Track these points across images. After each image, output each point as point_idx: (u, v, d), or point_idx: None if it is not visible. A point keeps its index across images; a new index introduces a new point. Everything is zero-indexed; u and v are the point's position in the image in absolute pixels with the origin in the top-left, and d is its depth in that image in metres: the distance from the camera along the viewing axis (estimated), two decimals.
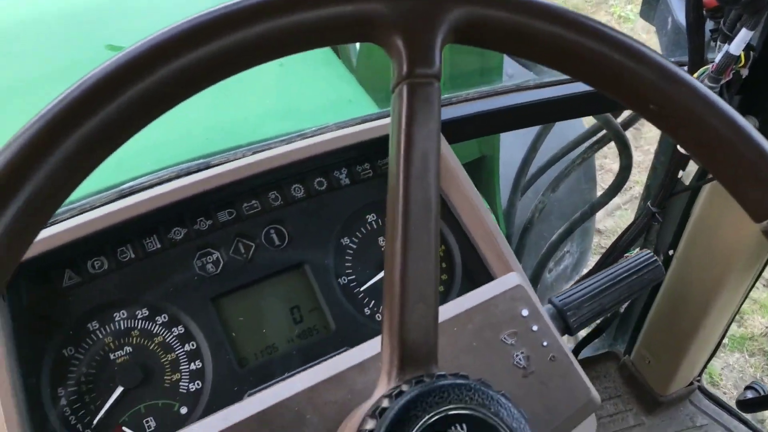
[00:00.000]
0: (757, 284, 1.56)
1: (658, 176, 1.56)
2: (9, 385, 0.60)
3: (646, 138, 3.65)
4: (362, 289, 0.78)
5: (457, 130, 0.97)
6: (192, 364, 0.70)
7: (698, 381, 1.79)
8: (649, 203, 1.40)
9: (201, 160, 0.83)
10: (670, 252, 1.53)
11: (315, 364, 0.58)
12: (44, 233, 0.67)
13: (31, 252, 0.65)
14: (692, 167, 1.37)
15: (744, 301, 1.59)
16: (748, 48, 1.00)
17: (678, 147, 1.20)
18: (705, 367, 1.77)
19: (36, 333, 0.66)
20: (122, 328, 0.69)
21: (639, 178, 3.22)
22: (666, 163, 1.46)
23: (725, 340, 1.82)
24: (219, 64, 0.39)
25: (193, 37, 0.37)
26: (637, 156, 1.60)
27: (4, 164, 0.33)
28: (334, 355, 0.58)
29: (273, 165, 0.75)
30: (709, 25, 1.08)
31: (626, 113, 1.67)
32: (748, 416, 1.73)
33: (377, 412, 0.42)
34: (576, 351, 1.71)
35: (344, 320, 0.75)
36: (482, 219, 0.76)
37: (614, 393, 1.79)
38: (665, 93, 0.44)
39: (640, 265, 0.62)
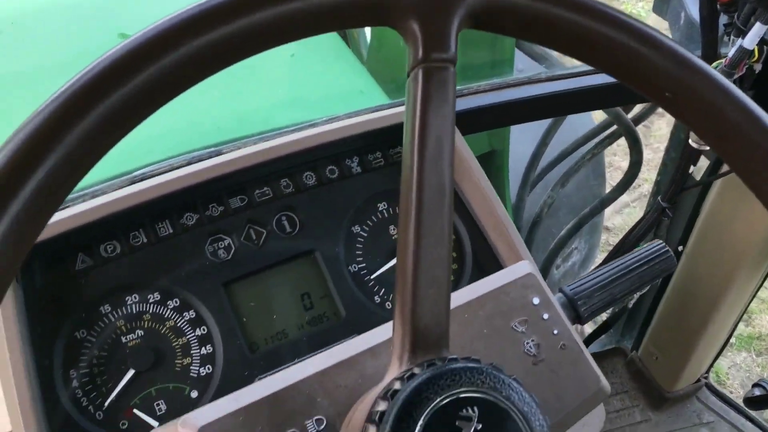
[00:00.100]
0: (766, 283, 1.56)
1: (669, 172, 1.56)
2: (23, 366, 0.61)
3: (655, 136, 3.64)
4: (372, 277, 0.78)
5: (468, 122, 0.97)
6: (203, 348, 0.70)
7: (706, 378, 1.79)
8: (659, 198, 1.40)
9: (212, 149, 0.84)
10: (680, 248, 1.52)
11: (325, 350, 0.58)
12: (57, 216, 0.67)
13: (44, 235, 0.66)
14: (703, 162, 1.36)
15: (753, 298, 1.58)
16: (762, 42, 0.99)
17: (690, 141, 1.19)
18: (713, 363, 1.77)
19: (49, 315, 0.67)
20: (134, 311, 0.70)
21: (648, 175, 3.20)
22: (677, 159, 1.46)
23: (732, 339, 1.81)
24: (238, 44, 0.39)
25: (213, 17, 0.37)
26: (646, 154, 1.59)
27: (19, 145, 0.33)
28: (345, 341, 0.58)
29: (285, 152, 0.75)
30: (723, 19, 1.07)
31: (637, 109, 1.66)
32: (755, 414, 1.73)
33: (389, 394, 0.42)
34: None
35: (354, 307, 0.75)
36: (493, 208, 0.76)
37: (621, 389, 1.79)
38: (681, 81, 0.44)
39: (652, 255, 0.62)
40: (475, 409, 0.41)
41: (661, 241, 0.63)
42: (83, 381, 0.66)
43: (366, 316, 0.76)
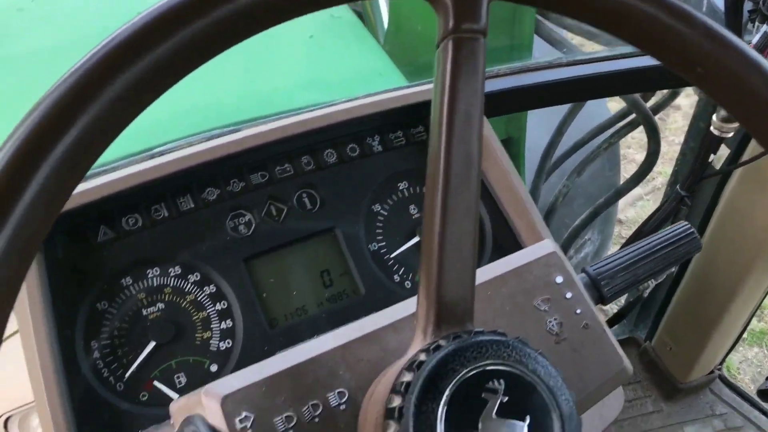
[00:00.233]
0: None
1: (687, 161, 1.55)
2: (45, 335, 0.61)
3: (670, 129, 3.61)
4: (392, 255, 0.78)
5: (489, 105, 0.96)
6: (223, 323, 0.70)
7: (719, 369, 1.78)
8: (678, 187, 1.39)
9: (232, 127, 0.84)
10: None
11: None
12: (79, 188, 0.67)
13: (67, 206, 0.65)
14: (723, 151, 1.35)
15: None
16: None
17: (711, 129, 1.18)
18: (727, 355, 1.76)
19: (71, 286, 0.67)
20: (155, 284, 0.70)
21: (661, 168, 3.18)
22: (695, 149, 1.45)
23: (744, 335, 1.80)
24: (262, 11, 0.38)
25: None
26: (661, 146, 1.58)
27: (51, 106, 0.33)
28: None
29: (306, 128, 0.75)
30: (748, 5, 1.06)
31: (655, 99, 1.65)
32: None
33: (415, 365, 0.42)
34: None
35: (374, 286, 0.75)
36: (514, 188, 0.76)
37: (634, 379, 1.78)
38: (713, 56, 0.43)
39: (677, 236, 0.61)
40: (501, 381, 0.41)
41: (686, 223, 0.62)
42: (104, 352, 0.66)
43: (385, 294, 0.75)
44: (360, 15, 1.91)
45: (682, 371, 1.73)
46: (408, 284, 0.78)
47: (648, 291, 1.67)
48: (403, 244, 0.79)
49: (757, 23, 1.04)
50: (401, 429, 0.40)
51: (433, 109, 0.44)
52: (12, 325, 0.61)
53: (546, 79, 1.07)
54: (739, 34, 1.07)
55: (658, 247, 0.61)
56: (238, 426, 0.46)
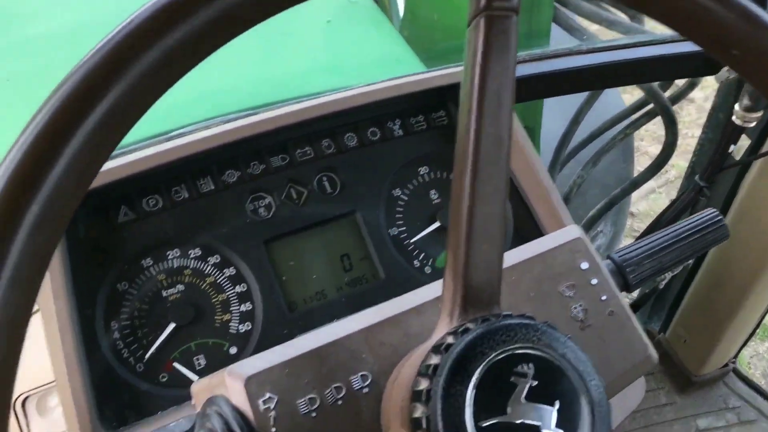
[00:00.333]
0: None
1: (705, 152, 1.53)
2: (67, 314, 0.61)
3: (684, 122, 3.58)
4: (412, 241, 0.77)
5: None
6: (242, 305, 0.70)
7: (733, 363, 1.77)
8: (696, 177, 1.37)
9: (250, 111, 0.83)
10: None
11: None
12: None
13: None
14: (744, 142, 1.33)
15: None
16: None
17: (734, 118, 1.17)
18: (741, 349, 1.74)
19: (92, 266, 0.67)
20: (175, 266, 0.70)
21: (674, 161, 3.16)
22: (714, 140, 1.43)
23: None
24: None
25: None
26: None
27: (86, 74, 0.32)
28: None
29: (327, 111, 0.75)
30: None
31: (671, 91, 1.63)
32: None
33: (442, 348, 0.41)
34: None
35: (394, 271, 0.75)
36: (536, 174, 0.75)
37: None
38: (750, 38, 0.42)
39: (705, 223, 0.60)
40: (531, 365, 0.41)
41: (714, 210, 0.61)
42: (124, 333, 0.66)
43: (405, 279, 0.75)
44: (376, 1, 1.90)
45: (696, 364, 1.72)
46: (428, 270, 0.77)
47: (664, 282, 1.66)
48: (424, 229, 0.78)
49: None
50: (429, 412, 0.39)
51: (463, 88, 0.44)
52: None
53: (565, 66, 1.05)
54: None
55: (686, 234, 0.61)
56: (262, 407, 0.46)
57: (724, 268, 1.55)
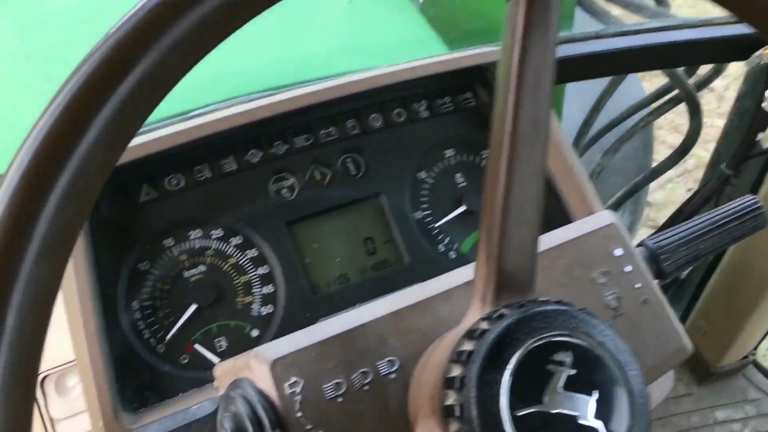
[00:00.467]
0: None
1: (730, 141, 1.51)
2: (88, 293, 0.61)
3: (704, 111, 3.52)
4: (437, 225, 0.76)
5: None
6: (264, 287, 0.70)
7: (753, 355, 1.74)
8: (722, 166, 1.35)
9: (272, 92, 0.82)
10: None
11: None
12: None
13: None
14: None
15: None
16: None
17: (763, 105, 1.14)
18: (761, 341, 1.72)
19: (113, 245, 0.66)
20: (197, 246, 0.69)
21: (693, 150, 3.11)
22: (741, 128, 1.40)
23: None
24: None
25: None
26: None
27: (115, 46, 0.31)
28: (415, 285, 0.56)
29: (352, 91, 0.73)
30: None
31: (695, 77, 1.60)
32: None
33: (477, 334, 0.40)
34: None
35: (418, 255, 0.74)
36: (565, 159, 0.73)
37: None
38: None
39: (744, 210, 0.58)
40: (569, 353, 0.39)
41: (753, 196, 0.59)
42: (145, 313, 0.66)
43: (430, 264, 0.74)
44: None
45: (715, 355, 1.70)
46: (453, 255, 0.76)
47: (685, 273, 1.63)
48: (449, 213, 0.77)
49: None
50: (462, 399, 0.38)
51: (501, 65, 0.42)
52: None
53: (599, 49, 1.04)
54: None
55: (723, 221, 0.59)
56: (287, 391, 0.45)
57: (746, 258, 1.52)
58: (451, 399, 0.39)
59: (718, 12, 1.12)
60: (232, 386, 0.47)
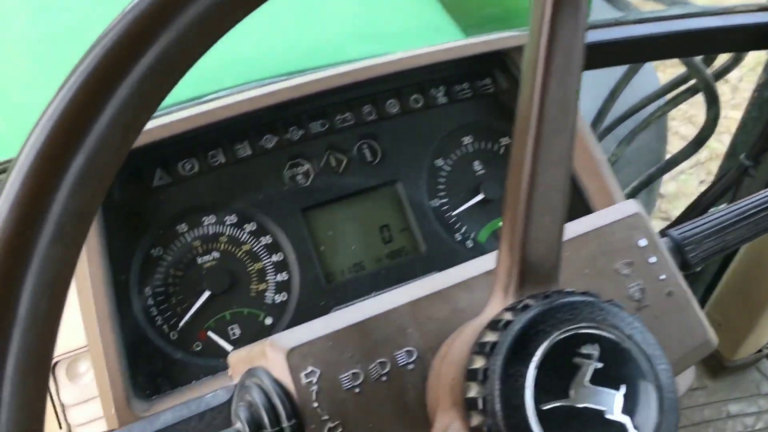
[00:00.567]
0: None
1: (748, 131, 1.48)
2: (101, 279, 0.60)
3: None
4: (455, 213, 0.75)
5: None
6: (279, 275, 0.69)
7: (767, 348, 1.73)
8: (742, 157, 1.32)
9: (287, 77, 0.81)
10: None
11: (410, 282, 0.56)
12: None
13: None
14: None
15: None
16: None
17: None
18: None
19: (126, 230, 0.66)
20: (210, 233, 0.69)
21: (707, 142, 3.08)
22: (760, 118, 1.38)
23: None
24: None
25: None
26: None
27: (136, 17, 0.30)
28: (433, 274, 0.55)
29: (368, 76, 0.72)
30: None
31: (717, 64, 1.58)
32: None
33: (501, 325, 0.39)
34: None
35: (435, 243, 0.73)
36: (585, 145, 0.72)
37: None
38: None
39: None
40: (596, 346, 0.38)
41: None
42: (158, 300, 0.65)
43: (446, 253, 0.73)
44: None
45: (730, 349, 1.68)
46: (470, 244, 0.75)
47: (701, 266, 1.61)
48: (467, 201, 0.76)
49: None
50: (485, 392, 0.37)
51: (529, 46, 0.41)
52: None
53: (611, 37, 1.02)
54: None
55: (753, 211, 0.57)
56: (304, 381, 0.44)
57: (762, 251, 1.50)
58: (474, 391, 0.38)
59: (739, 0, 1.10)
60: (247, 375, 0.47)
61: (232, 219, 0.69)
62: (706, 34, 1.07)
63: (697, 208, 1.40)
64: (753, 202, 0.58)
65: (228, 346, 0.66)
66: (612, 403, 0.37)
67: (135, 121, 0.31)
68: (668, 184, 3.00)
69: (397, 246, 0.73)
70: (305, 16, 1.19)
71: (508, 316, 0.39)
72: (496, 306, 0.43)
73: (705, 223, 0.58)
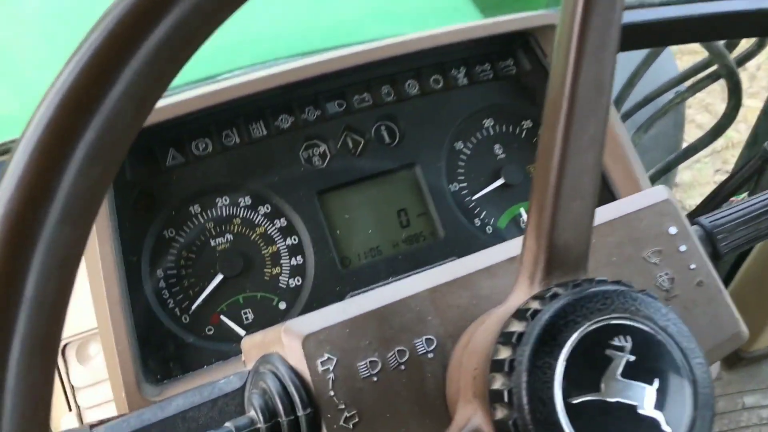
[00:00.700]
0: None
1: None
2: (112, 259, 0.59)
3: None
4: (474, 198, 0.74)
5: None
6: (293, 259, 0.68)
7: None
8: (766, 144, 1.29)
9: (303, 56, 0.79)
10: None
11: (429, 268, 0.54)
12: None
13: None
14: None
15: None
16: None
17: None
18: None
19: (138, 210, 0.65)
20: (224, 214, 0.67)
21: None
22: None
23: None
24: None
25: None
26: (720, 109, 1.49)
27: None
28: (454, 260, 0.53)
29: (387, 55, 0.70)
30: None
31: (739, 50, 1.54)
32: None
33: (528, 314, 0.37)
34: None
35: (453, 229, 0.71)
36: (611, 128, 0.69)
37: None
38: None
39: None
40: (628, 338, 0.36)
41: None
42: (170, 282, 0.65)
43: (465, 239, 0.72)
44: None
45: (747, 341, 1.66)
46: (489, 229, 0.73)
47: None
48: (486, 186, 0.74)
49: None
50: (511, 384, 0.36)
51: (562, 23, 0.39)
52: None
53: (635, 20, 0.99)
54: None
55: None
56: (320, 368, 0.43)
57: None
58: (499, 383, 0.37)
59: None
60: (262, 361, 0.45)
61: (246, 201, 0.68)
62: (732, 17, 1.04)
63: (718, 197, 1.37)
64: None
65: (241, 331, 0.65)
66: (645, 398, 0.36)
67: (148, 95, 0.29)
68: (683, 173, 2.97)
69: (414, 231, 0.71)
70: None
71: (535, 304, 0.38)
72: (521, 294, 0.41)
73: (737, 211, 0.55)
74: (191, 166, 0.67)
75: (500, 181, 0.74)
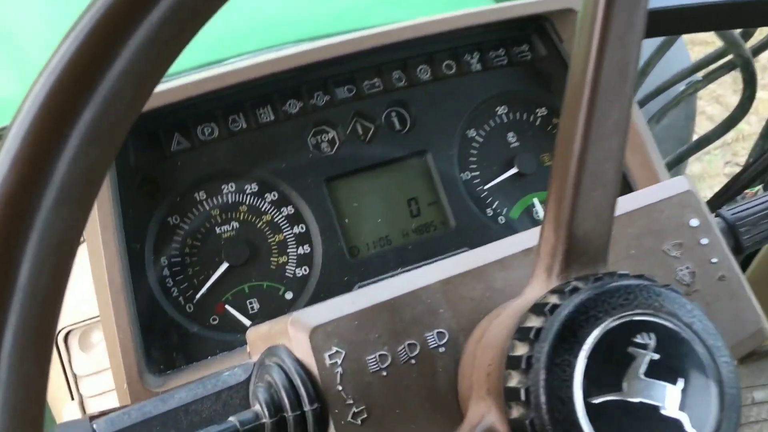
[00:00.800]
0: None
1: None
2: (114, 246, 0.58)
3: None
4: (486, 187, 0.72)
5: None
6: (300, 248, 0.67)
7: None
8: None
9: (310, 41, 0.77)
10: None
11: (440, 259, 0.53)
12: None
13: None
14: None
15: None
16: None
17: None
18: None
19: (141, 196, 0.64)
20: (230, 201, 0.66)
21: None
22: None
23: None
24: None
25: None
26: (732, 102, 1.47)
27: None
28: (467, 251, 0.52)
29: (399, 38, 0.68)
30: None
31: (755, 40, 1.52)
32: None
33: (547, 309, 0.36)
34: None
35: (465, 218, 0.70)
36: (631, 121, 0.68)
37: None
38: None
39: None
40: (652, 335, 0.35)
41: None
42: (174, 270, 0.64)
43: (477, 228, 0.70)
44: None
45: None
46: (501, 220, 0.72)
47: None
48: (499, 175, 0.73)
49: None
50: (529, 382, 0.34)
51: (585, 5, 0.37)
52: None
53: (653, 7, 0.97)
54: None
55: None
56: (328, 362, 0.41)
57: None
58: (515, 381, 0.35)
59: None
60: (267, 353, 0.44)
61: (252, 187, 0.67)
62: (750, 5, 1.02)
63: (731, 189, 1.35)
64: None
65: (246, 321, 0.64)
66: (669, 398, 0.34)
67: (150, 72, 0.28)
68: (693, 164, 2.95)
69: (425, 220, 0.70)
70: None
71: (554, 299, 0.36)
72: (538, 287, 0.40)
73: (760, 204, 0.54)
74: (197, 151, 0.66)
75: (513, 170, 0.72)
